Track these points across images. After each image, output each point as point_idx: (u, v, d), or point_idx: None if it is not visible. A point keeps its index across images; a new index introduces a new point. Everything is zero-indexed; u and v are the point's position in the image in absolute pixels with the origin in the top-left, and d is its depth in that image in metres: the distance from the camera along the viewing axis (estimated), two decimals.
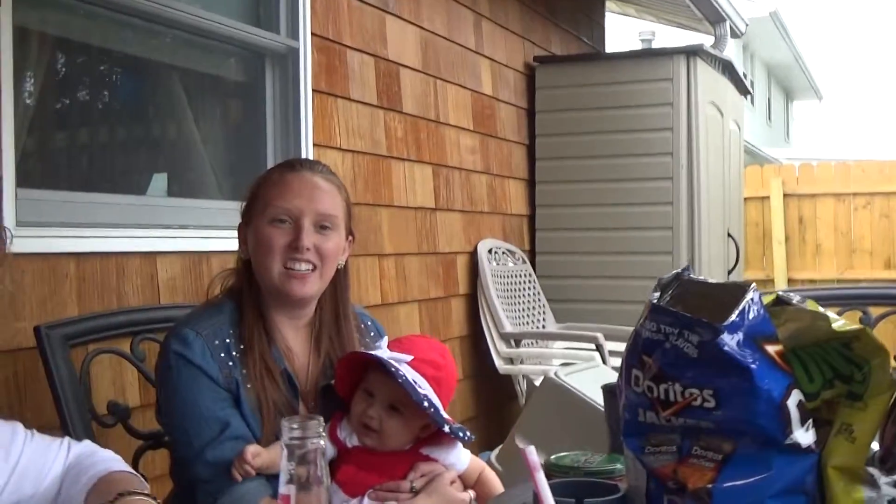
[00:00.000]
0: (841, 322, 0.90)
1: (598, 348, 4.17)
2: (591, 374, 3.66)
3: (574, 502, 0.98)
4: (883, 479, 0.93)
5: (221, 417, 1.74)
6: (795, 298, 0.95)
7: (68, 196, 2.53)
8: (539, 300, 4.91)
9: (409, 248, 4.05)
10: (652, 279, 4.56)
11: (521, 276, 4.84)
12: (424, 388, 1.76)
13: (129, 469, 1.43)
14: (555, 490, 1.03)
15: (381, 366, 1.78)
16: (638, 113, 5.00)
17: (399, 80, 3.98)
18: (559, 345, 4.64)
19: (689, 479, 0.90)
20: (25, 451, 1.36)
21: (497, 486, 1.96)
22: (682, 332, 0.90)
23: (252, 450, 1.68)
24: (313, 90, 3.37)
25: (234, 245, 2.93)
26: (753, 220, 8.92)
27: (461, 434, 1.80)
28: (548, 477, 1.22)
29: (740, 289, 0.91)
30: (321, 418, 0.78)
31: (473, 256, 4.56)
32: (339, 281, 1.95)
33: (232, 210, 3.12)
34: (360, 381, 1.85)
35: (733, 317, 0.88)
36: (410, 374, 1.75)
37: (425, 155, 4.18)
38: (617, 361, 4.43)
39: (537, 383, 4.33)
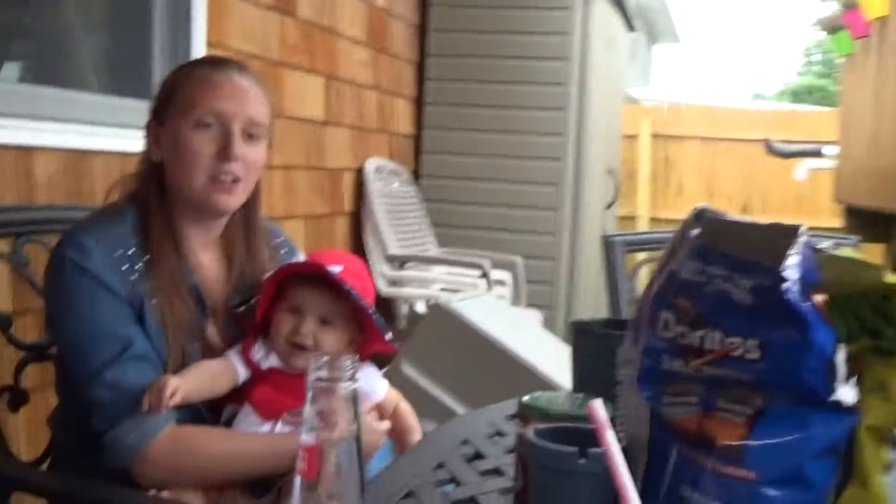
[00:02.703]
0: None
1: (485, 276, 4.13)
2: (480, 302, 3.61)
3: (578, 451, 0.89)
4: None
5: (123, 335, 1.57)
6: (825, 243, 0.88)
7: None
8: (423, 223, 4.81)
9: (297, 162, 3.86)
10: (536, 209, 4.51)
11: (406, 197, 4.72)
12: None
13: None
14: (547, 436, 0.95)
15: (310, 279, 1.68)
16: (534, 40, 4.91)
17: None
18: (440, 269, 4.57)
19: (718, 435, 0.83)
20: None
21: (413, 420, 1.90)
22: (732, 276, 0.82)
23: (172, 384, 1.54)
24: None
25: (119, 145, 2.72)
26: (622, 157, 9.10)
27: (394, 342, 1.74)
28: (525, 420, 1.14)
29: (788, 230, 0.82)
30: (354, 357, 0.66)
31: (359, 174, 4.41)
32: (251, 193, 1.82)
33: (119, 107, 2.89)
34: (278, 300, 1.74)
35: (791, 261, 0.80)
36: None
37: (318, 65, 3.97)
38: (499, 290, 4.42)
39: (418, 308, 4.27)
